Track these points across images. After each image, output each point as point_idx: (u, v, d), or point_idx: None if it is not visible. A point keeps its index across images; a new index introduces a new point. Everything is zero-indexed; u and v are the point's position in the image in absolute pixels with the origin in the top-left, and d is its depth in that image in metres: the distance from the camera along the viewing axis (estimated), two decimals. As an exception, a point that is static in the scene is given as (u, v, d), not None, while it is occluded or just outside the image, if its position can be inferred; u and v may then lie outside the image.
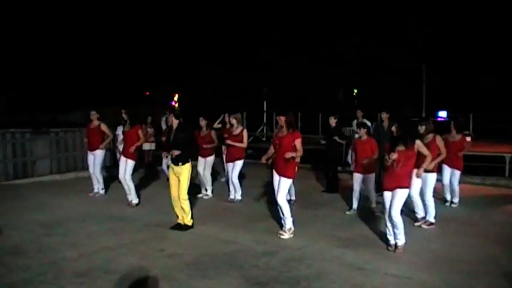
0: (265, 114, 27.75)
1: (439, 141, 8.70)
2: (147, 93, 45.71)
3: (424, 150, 7.29)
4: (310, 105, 30.82)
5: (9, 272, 6.10)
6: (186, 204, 8.27)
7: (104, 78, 41.25)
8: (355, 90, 43.78)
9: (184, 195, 8.21)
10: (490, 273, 6.14)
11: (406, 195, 7.03)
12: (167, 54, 40.95)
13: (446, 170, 10.22)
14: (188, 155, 8.24)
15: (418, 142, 7.16)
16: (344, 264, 6.47)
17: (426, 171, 8.08)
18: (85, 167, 11.83)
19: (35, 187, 12.62)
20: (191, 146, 8.52)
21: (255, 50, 39.07)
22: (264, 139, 24.89)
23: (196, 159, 10.82)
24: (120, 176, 10.26)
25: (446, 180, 10.33)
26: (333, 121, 11.75)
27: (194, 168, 9.52)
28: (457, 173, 10.19)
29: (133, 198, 10.34)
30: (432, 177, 8.68)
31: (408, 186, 7.07)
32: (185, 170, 8.18)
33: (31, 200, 10.88)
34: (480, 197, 11.72)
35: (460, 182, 10.35)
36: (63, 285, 5.65)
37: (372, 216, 9.35)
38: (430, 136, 8.59)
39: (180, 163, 8.16)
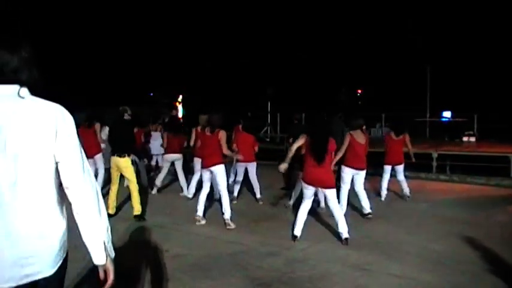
0: (269, 115, 27.71)
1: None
2: (151, 94, 45.72)
3: None
4: (315, 105, 30.78)
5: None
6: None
7: (107, 79, 41.26)
8: (359, 91, 43.72)
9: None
10: (495, 274, 6.12)
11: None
12: (170, 55, 40.96)
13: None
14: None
15: None
16: (348, 265, 6.46)
17: None
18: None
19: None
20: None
21: (258, 50, 39.04)
22: (268, 140, 24.86)
23: None
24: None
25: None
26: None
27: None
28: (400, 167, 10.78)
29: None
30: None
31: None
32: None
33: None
34: (484, 198, 11.70)
35: (460, 182, 10.37)
36: (66, 286, 5.64)
37: (376, 216, 9.34)
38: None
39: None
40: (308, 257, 6.83)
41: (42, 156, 2.36)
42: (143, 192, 11.53)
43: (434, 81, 28.41)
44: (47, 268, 2.54)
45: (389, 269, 6.32)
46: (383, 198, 11.16)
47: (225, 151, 8.70)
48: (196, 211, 8.88)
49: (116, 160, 9.22)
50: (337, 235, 7.93)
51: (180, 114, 26.14)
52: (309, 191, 7.75)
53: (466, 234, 8.03)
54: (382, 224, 8.78)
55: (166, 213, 9.69)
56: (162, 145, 12.18)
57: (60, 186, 2.50)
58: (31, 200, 2.37)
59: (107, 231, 2.78)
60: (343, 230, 7.58)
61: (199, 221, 8.80)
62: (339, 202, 8.80)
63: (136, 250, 7.13)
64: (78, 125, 9.03)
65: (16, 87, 2.36)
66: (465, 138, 20.39)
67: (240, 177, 10.97)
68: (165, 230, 8.30)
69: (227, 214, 8.69)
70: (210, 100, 34.24)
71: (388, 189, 11.20)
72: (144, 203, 10.49)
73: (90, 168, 2.61)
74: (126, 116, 9.57)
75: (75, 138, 2.49)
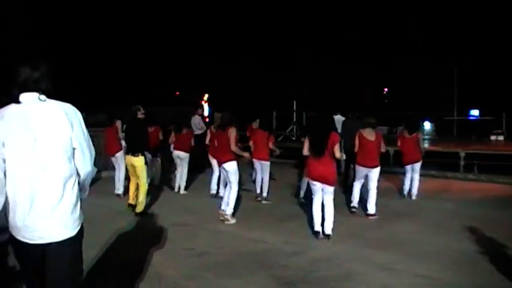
0: (294, 113, 27.63)
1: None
2: (177, 93, 45.94)
3: None
4: (339, 104, 30.67)
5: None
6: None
7: (133, 78, 41.57)
8: (385, 89, 43.43)
9: None
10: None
11: None
12: (196, 54, 41.10)
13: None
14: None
15: None
16: (373, 265, 6.45)
17: None
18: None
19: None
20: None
21: (285, 50, 38.99)
22: (294, 138, 24.80)
23: None
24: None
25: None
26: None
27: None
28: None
29: None
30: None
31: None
32: None
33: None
34: (508, 197, 11.56)
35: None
36: (90, 282, 5.74)
37: (401, 216, 9.31)
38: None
39: None
40: (333, 256, 6.84)
41: (63, 143, 3.24)
42: (158, 190, 11.81)
43: (462, 79, 28.12)
44: (57, 234, 3.24)
45: (414, 268, 6.29)
46: (404, 195, 11.27)
47: (233, 148, 8.80)
48: (220, 207, 9.05)
49: (129, 159, 9.57)
50: (363, 235, 7.94)
51: (206, 113, 26.20)
52: (316, 187, 7.88)
53: (493, 234, 7.94)
54: (407, 223, 8.73)
55: (191, 211, 9.77)
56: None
57: (75, 169, 3.36)
58: (54, 180, 3.20)
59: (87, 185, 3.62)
60: (328, 226, 7.76)
61: (223, 216, 8.91)
62: (351, 198, 9.69)
63: (161, 248, 7.18)
64: (104, 125, 9.17)
65: (36, 94, 3.23)
66: (493, 137, 20.08)
67: (259, 175, 11.02)
68: (190, 229, 8.38)
69: (229, 209, 8.84)
70: (236, 99, 34.28)
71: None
72: (162, 200, 10.68)
73: (94, 153, 3.54)
74: (140, 115, 9.77)
75: (84, 127, 3.39)
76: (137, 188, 9.67)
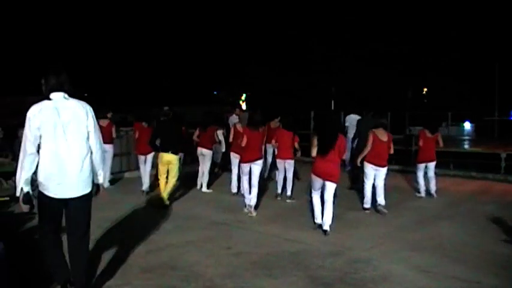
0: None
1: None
2: (215, 92, 46.26)
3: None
4: (378, 104, 30.44)
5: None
6: None
7: (172, 78, 41.98)
8: (425, 89, 42.94)
9: None
10: None
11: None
12: (233, 53, 41.28)
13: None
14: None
15: None
16: (411, 267, 6.39)
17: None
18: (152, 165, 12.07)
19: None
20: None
21: (323, 50, 38.92)
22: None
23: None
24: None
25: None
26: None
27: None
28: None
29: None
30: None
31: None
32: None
33: (101, 197, 11.21)
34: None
35: None
36: (130, 280, 5.82)
37: (439, 218, 9.19)
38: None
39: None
40: (370, 257, 6.79)
41: (82, 129, 4.80)
42: (187, 188, 12.12)
43: (504, 79, 27.62)
44: (78, 191, 4.81)
45: (453, 271, 6.21)
46: (423, 194, 11.36)
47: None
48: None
49: (166, 156, 10.00)
50: (401, 236, 7.87)
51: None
52: (317, 183, 8.25)
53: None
54: (446, 225, 8.62)
55: (229, 210, 9.81)
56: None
57: (89, 146, 4.89)
58: (76, 154, 4.74)
59: (103, 170, 5.18)
60: (326, 221, 8.08)
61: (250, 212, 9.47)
62: (363, 197, 9.99)
63: (198, 246, 7.24)
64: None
65: (62, 93, 4.76)
66: (536, 138, 19.69)
67: (281, 174, 11.15)
68: (228, 228, 8.42)
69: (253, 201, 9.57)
70: (273, 99, 34.35)
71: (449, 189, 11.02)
72: (191, 198, 11.03)
73: (100, 136, 5.02)
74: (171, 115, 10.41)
75: (94, 117, 4.95)
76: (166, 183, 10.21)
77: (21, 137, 4.71)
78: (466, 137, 23.42)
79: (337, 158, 8.08)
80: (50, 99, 4.70)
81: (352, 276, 6.01)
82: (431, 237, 7.87)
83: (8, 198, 9.90)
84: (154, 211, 9.77)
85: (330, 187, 8.08)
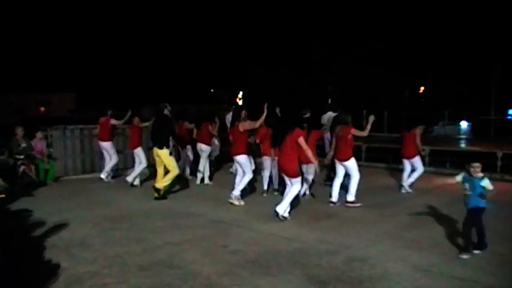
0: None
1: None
2: (212, 90, 46.24)
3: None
4: (375, 103, 30.44)
5: (76, 264, 6.33)
6: None
7: (168, 76, 41.96)
8: (422, 88, 42.96)
9: None
10: None
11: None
12: (232, 52, 41.25)
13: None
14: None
15: None
16: (408, 266, 6.37)
17: None
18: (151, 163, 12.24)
19: (102, 182, 12.98)
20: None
21: (320, 49, 38.93)
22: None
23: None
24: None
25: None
26: None
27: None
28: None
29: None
30: None
31: None
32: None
33: (99, 195, 11.25)
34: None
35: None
36: (127, 278, 5.80)
37: (439, 217, 9.18)
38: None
39: None
40: (368, 256, 6.77)
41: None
42: (187, 183, 12.43)
43: (500, 78, 27.65)
44: None
45: (451, 270, 6.19)
46: (410, 190, 11.65)
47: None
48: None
49: (155, 150, 10.74)
50: (399, 235, 7.85)
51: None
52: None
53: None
54: (444, 224, 8.60)
55: (226, 208, 9.79)
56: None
57: None
58: None
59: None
60: (281, 208, 8.69)
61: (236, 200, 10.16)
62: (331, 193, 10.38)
63: (195, 244, 7.22)
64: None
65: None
66: (532, 137, 19.70)
67: (267, 172, 11.38)
68: (225, 226, 8.41)
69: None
70: (270, 98, 34.34)
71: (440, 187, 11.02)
72: (192, 195, 11.18)
73: None
74: (166, 112, 10.88)
75: None
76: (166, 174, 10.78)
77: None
78: (463, 136, 23.41)
79: (292, 151, 8.63)
80: None
81: (349, 275, 5.99)
82: (430, 236, 7.85)
83: (4, 196, 9.87)
84: (151, 209, 9.75)
85: (292, 181, 8.83)
